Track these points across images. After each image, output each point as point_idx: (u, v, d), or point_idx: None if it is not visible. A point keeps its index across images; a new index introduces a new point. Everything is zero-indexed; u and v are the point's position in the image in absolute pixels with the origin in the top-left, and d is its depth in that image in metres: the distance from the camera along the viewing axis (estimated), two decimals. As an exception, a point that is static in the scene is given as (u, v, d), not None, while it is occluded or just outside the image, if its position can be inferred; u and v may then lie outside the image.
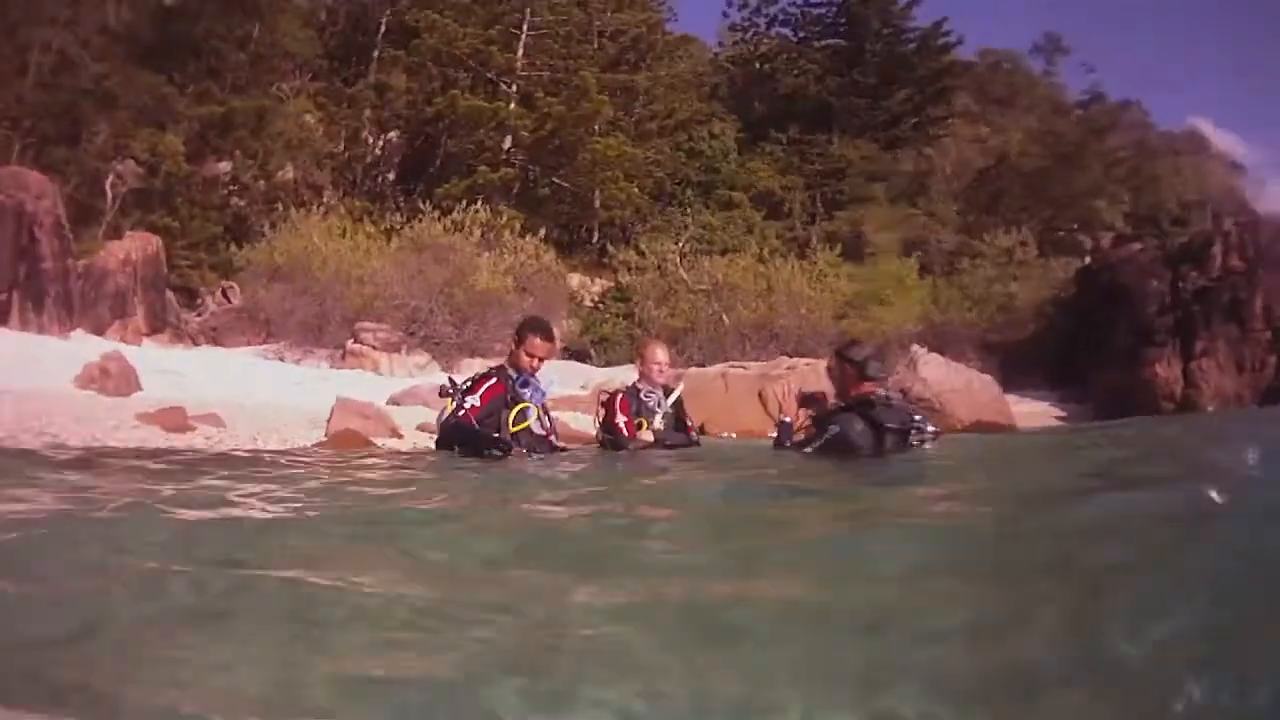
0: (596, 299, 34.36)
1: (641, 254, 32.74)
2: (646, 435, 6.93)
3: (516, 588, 2.60)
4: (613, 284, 34.07)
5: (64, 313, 22.06)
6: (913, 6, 47.89)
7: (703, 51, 52.29)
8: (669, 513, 3.88)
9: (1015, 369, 22.84)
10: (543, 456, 6.14)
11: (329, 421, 11.19)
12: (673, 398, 7.25)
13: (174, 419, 10.91)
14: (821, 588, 2.47)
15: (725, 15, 53.16)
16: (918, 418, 5.54)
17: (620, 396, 7.13)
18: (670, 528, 3.54)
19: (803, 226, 41.10)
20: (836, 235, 36.93)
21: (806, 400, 6.13)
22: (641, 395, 7.16)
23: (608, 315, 32.26)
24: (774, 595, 2.42)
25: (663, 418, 7.11)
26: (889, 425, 5.34)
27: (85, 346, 18.75)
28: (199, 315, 30.60)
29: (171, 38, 35.29)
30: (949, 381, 16.88)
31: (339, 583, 2.55)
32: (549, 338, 6.53)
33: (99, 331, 23.42)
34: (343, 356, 23.12)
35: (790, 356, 18.77)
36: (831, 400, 5.88)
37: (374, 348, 23.19)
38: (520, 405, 6.15)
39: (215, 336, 28.92)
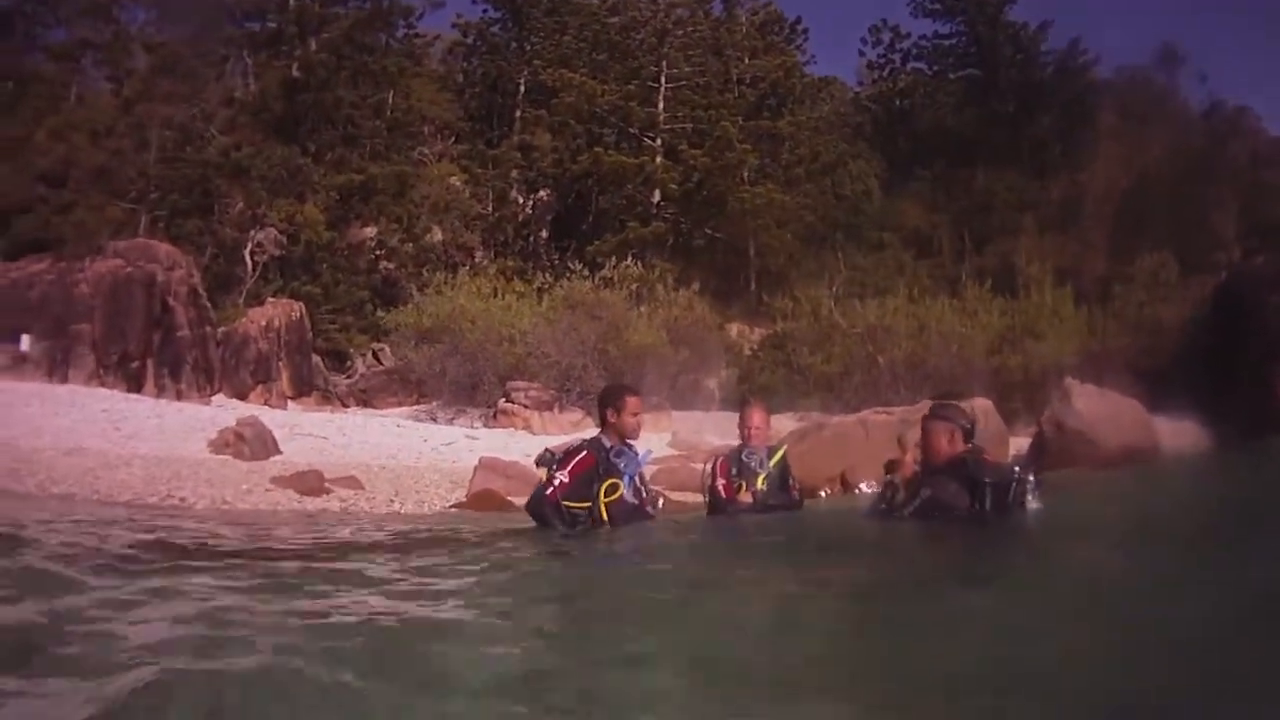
0: (755, 347, 33.00)
1: (796, 300, 31.64)
2: (745, 497, 6.99)
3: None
4: (771, 332, 32.62)
5: (204, 379, 22.14)
6: (1045, 29, 46.12)
7: (843, 92, 51.20)
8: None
9: (1163, 391, 20.85)
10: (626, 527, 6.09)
11: (470, 482, 11.39)
12: (775, 458, 7.23)
13: (309, 482, 10.99)
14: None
15: (862, 54, 51.75)
16: (1017, 470, 5.40)
17: (720, 460, 7.26)
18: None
19: (952, 263, 39.71)
20: (986, 270, 35.45)
21: (890, 466, 6.02)
22: (743, 457, 7.15)
23: (765, 364, 30.93)
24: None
25: (765, 479, 7.08)
26: (987, 480, 5.20)
27: (222, 412, 18.39)
28: (349, 378, 30.27)
29: (302, 107, 35.27)
30: (1100, 410, 16.53)
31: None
32: (637, 393, 6.53)
33: (242, 397, 23.48)
34: (494, 416, 22.72)
35: (936, 399, 17.24)
36: (914, 465, 5.74)
37: (525, 406, 22.72)
38: (610, 479, 6.06)
39: (365, 399, 28.62)
